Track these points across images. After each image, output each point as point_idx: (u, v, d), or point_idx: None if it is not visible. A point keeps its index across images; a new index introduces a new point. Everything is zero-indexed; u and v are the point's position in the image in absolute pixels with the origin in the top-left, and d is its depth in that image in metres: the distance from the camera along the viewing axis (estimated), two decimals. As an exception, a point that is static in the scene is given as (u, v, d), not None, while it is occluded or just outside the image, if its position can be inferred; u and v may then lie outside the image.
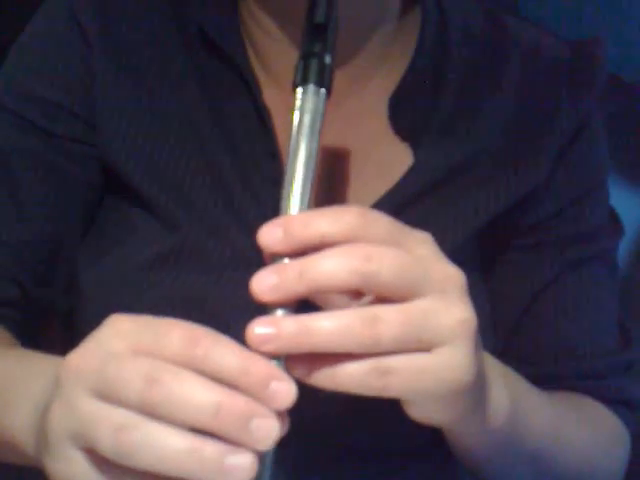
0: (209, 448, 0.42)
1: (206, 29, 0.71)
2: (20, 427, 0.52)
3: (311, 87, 0.53)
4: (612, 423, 0.72)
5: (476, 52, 0.72)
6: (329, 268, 0.45)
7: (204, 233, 0.68)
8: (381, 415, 0.72)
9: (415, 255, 0.47)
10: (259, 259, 0.47)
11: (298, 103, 0.53)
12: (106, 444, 0.42)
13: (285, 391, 0.43)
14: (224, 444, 0.42)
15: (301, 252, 0.46)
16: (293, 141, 0.51)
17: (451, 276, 0.48)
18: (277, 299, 0.45)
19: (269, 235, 0.46)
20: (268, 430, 0.43)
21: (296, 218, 0.47)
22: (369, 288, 0.46)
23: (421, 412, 0.52)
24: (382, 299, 0.47)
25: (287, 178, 0.50)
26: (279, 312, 0.46)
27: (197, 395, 0.42)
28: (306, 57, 0.55)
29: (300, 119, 0.52)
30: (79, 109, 0.71)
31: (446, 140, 0.70)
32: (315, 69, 0.54)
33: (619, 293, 0.76)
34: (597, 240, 0.73)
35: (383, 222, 0.47)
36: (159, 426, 0.42)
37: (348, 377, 0.46)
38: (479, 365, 0.49)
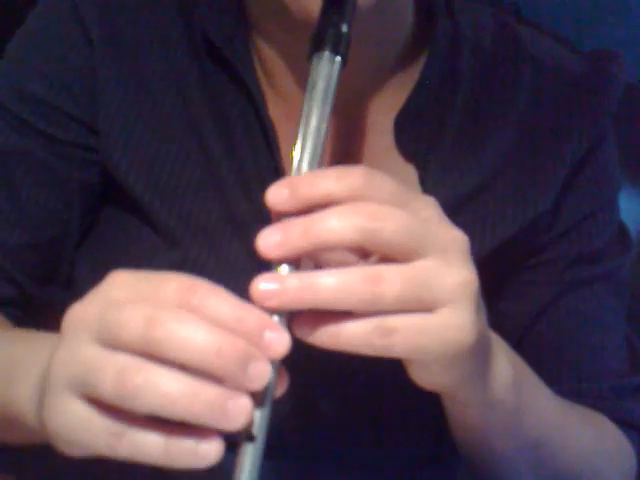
0: (211, 390, 0.42)
1: (212, 38, 0.69)
2: (24, 397, 0.52)
3: (326, 54, 0.53)
4: (618, 437, 0.72)
5: (487, 68, 0.71)
6: (333, 225, 0.45)
7: (205, 249, 0.67)
8: (381, 426, 0.72)
9: (419, 216, 0.47)
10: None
11: (312, 69, 0.53)
12: (108, 388, 0.43)
13: (279, 341, 0.44)
14: (224, 387, 0.43)
15: (307, 212, 0.46)
16: (306, 106, 0.51)
17: (454, 238, 0.49)
18: (282, 255, 0.46)
19: (276, 195, 0.47)
20: (264, 371, 0.43)
21: (302, 178, 0.47)
22: (372, 246, 0.46)
23: (424, 375, 0.52)
24: (386, 260, 0.47)
25: (298, 142, 0.50)
26: (283, 269, 0.46)
27: (198, 336, 0.42)
28: (322, 25, 0.54)
29: (313, 84, 0.52)
30: (80, 113, 0.70)
31: (455, 164, 0.69)
32: (331, 37, 0.54)
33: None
34: (602, 260, 0.73)
35: (388, 183, 0.47)
36: (161, 369, 0.43)
37: (352, 336, 0.46)
38: (481, 327, 0.50)
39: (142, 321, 0.43)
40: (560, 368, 0.71)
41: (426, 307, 0.47)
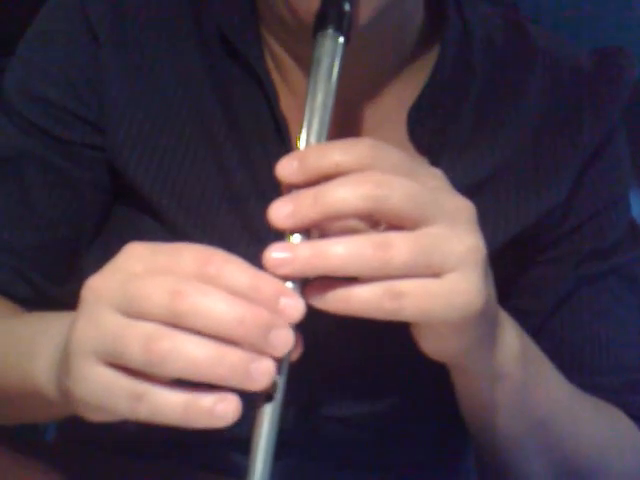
0: (235, 354, 0.44)
1: (225, 31, 0.68)
2: (41, 370, 0.54)
3: (329, 32, 0.54)
4: (632, 430, 0.71)
5: (498, 64, 0.71)
6: (342, 193, 0.46)
7: (214, 245, 0.67)
8: (382, 427, 0.72)
9: (426, 185, 0.49)
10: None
11: (316, 47, 0.53)
12: (136, 355, 0.44)
13: (294, 306, 0.45)
14: (247, 351, 0.44)
15: (316, 184, 0.48)
16: (311, 83, 0.52)
17: (462, 206, 0.50)
18: (293, 225, 0.47)
19: (285, 167, 0.48)
20: (286, 339, 0.45)
21: (310, 150, 0.49)
22: (380, 213, 0.47)
23: (433, 341, 0.53)
24: (394, 229, 0.48)
25: (305, 118, 0.51)
26: (295, 239, 0.48)
27: (222, 307, 0.44)
28: (325, 5, 0.55)
29: (318, 62, 0.53)
30: (88, 113, 0.69)
31: (466, 158, 0.69)
32: (333, 15, 0.55)
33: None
34: (615, 255, 0.72)
35: (395, 153, 0.49)
36: (187, 335, 0.44)
37: (362, 299, 0.47)
38: (488, 293, 0.50)
39: (166, 293, 0.44)
40: (573, 362, 0.71)
41: (434, 272, 0.48)
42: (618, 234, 0.73)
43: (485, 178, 0.69)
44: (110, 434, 0.68)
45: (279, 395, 0.47)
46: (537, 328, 0.71)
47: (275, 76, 0.69)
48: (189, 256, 0.46)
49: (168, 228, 0.68)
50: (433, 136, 0.69)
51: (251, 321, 0.44)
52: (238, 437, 0.54)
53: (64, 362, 0.48)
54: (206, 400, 0.44)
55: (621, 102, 0.72)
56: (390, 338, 0.60)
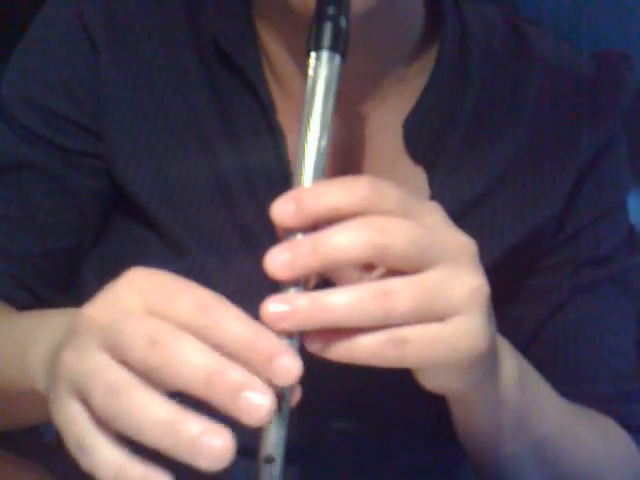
0: (186, 425, 0.41)
1: (221, 42, 0.68)
2: (34, 366, 0.53)
3: (325, 53, 0.51)
4: (625, 441, 0.71)
5: (497, 70, 0.71)
6: (342, 242, 0.45)
7: (212, 258, 0.67)
8: (379, 435, 0.72)
9: (426, 225, 0.47)
10: (268, 286, 0.47)
11: (311, 70, 0.51)
12: (97, 403, 0.43)
13: (288, 367, 0.43)
14: (206, 422, 0.41)
15: (313, 226, 0.46)
16: (306, 111, 0.50)
17: (462, 245, 0.49)
18: (291, 276, 0.45)
19: (281, 210, 0.46)
20: (257, 404, 0.41)
21: (307, 191, 0.47)
22: (382, 261, 0.47)
23: (435, 381, 0.52)
24: (394, 272, 0.47)
25: (299, 150, 0.49)
26: (292, 290, 0.46)
27: (192, 360, 0.42)
28: (319, 20, 0.52)
29: (313, 87, 0.50)
30: (87, 121, 0.69)
31: (463, 168, 0.69)
32: (329, 34, 0.51)
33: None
34: (612, 263, 0.73)
35: (393, 192, 0.47)
36: (145, 394, 0.42)
37: (365, 349, 0.46)
38: (492, 333, 0.50)
39: (144, 340, 0.42)
40: (568, 370, 0.71)
41: (438, 317, 0.47)
42: (615, 242, 0.73)
43: (482, 189, 0.69)
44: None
45: (278, 456, 0.45)
46: (532, 335, 0.72)
47: (272, 84, 0.69)
48: (188, 300, 0.44)
49: (165, 238, 0.68)
50: (428, 145, 0.68)
51: (219, 380, 0.41)
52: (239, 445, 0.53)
53: (52, 375, 0.48)
54: (135, 472, 0.42)
55: (621, 109, 0.72)
56: None
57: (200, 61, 0.69)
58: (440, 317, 0.47)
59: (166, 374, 0.42)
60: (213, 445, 0.40)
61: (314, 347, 0.47)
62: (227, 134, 0.68)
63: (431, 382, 0.52)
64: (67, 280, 0.72)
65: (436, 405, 0.65)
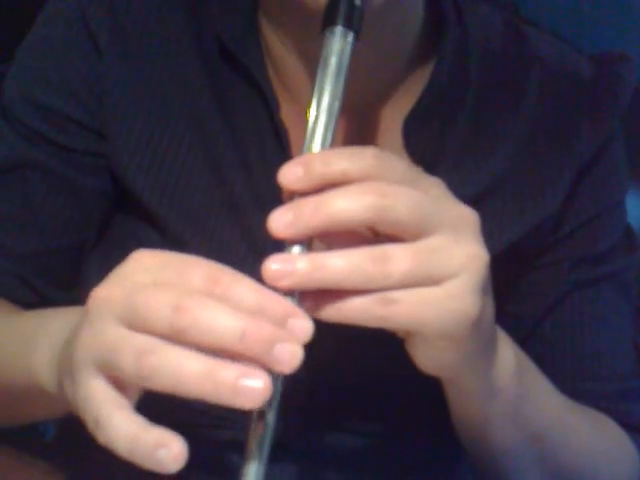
0: (224, 371, 0.42)
1: (225, 40, 0.68)
2: (40, 365, 0.54)
3: (339, 29, 0.52)
4: (622, 438, 0.71)
5: (496, 70, 0.71)
6: (345, 203, 0.46)
7: (213, 254, 0.67)
8: (380, 431, 0.72)
9: (429, 195, 0.48)
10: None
11: (325, 45, 0.52)
12: (128, 368, 0.43)
13: (301, 327, 0.44)
14: (240, 366, 0.43)
15: (318, 191, 0.47)
16: (318, 83, 0.51)
17: (464, 215, 0.50)
18: (293, 235, 0.46)
19: (290, 173, 0.47)
20: (292, 354, 0.43)
21: (316, 156, 0.48)
22: (383, 224, 0.47)
23: (426, 353, 0.52)
24: (395, 240, 0.47)
25: (310, 120, 0.50)
26: (295, 250, 0.47)
27: (222, 319, 0.43)
28: None
29: (326, 61, 0.51)
30: (89, 120, 0.69)
31: (462, 168, 0.69)
32: (344, 10, 0.52)
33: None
34: (609, 261, 0.73)
35: (398, 163, 0.48)
36: (178, 350, 0.43)
37: (353, 307, 0.47)
38: (484, 303, 0.50)
39: (169, 307, 0.43)
40: (565, 368, 0.71)
41: (434, 282, 0.48)
42: (613, 241, 0.73)
43: (482, 187, 0.69)
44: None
45: (271, 415, 0.46)
46: (529, 332, 0.72)
47: (276, 83, 0.69)
48: (197, 273, 0.45)
49: (167, 236, 0.68)
50: (428, 146, 0.68)
51: (252, 335, 0.43)
52: (236, 439, 0.54)
53: (65, 367, 0.48)
54: (149, 438, 0.43)
55: (620, 110, 0.72)
56: (389, 346, 0.60)
57: (203, 59, 0.69)
58: (436, 282, 0.47)
59: (196, 335, 0.43)
60: (252, 386, 0.42)
61: (306, 306, 0.47)
62: (230, 132, 0.69)
63: (424, 359, 0.53)
64: (70, 278, 0.73)
65: (436, 403, 0.66)
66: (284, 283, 0.46)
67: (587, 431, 0.68)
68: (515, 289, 0.72)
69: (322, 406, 0.70)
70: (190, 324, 0.43)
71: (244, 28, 0.68)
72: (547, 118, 0.71)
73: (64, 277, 0.72)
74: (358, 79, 0.66)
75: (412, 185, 0.48)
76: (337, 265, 0.46)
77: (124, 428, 0.43)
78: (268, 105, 0.67)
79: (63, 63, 0.69)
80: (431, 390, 0.65)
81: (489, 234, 0.68)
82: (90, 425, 0.45)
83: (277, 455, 0.68)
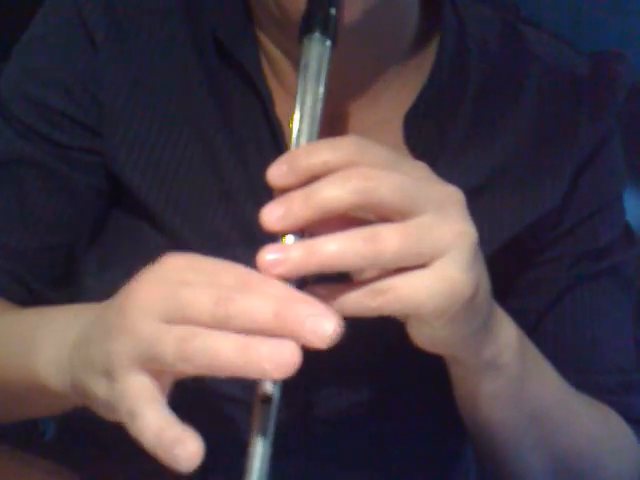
0: (256, 343, 0.44)
1: (221, 37, 0.69)
2: (43, 363, 0.54)
3: (317, 35, 0.54)
4: (625, 428, 0.71)
5: (495, 67, 0.71)
6: (330, 190, 0.47)
7: (211, 249, 0.67)
8: (380, 427, 0.72)
9: (412, 176, 0.49)
10: None
11: (304, 50, 0.54)
12: (169, 355, 0.45)
13: (322, 323, 0.44)
14: (271, 340, 0.44)
15: (306, 184, 0.48)
16: (300, 86, 0.53)
17: (450, 193, 0.50)
18: (285, 227, 0.48)
19: (276, 171, 0.49)
20: (324, 325, 0.44)
21: (298, 151, 0.50)
22: (369, 206, 0.48)
23: (425, 332, 0.53)
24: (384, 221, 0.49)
25: (295, 122, 0.52)
26: (289, 240, 0.48)
27: (259, 304, 0.45)
28: (311, 8, 0.56)
29: (306, 65, 0.53)
30: (85, 117, 0.70)
31: (462, 162, 0.69)
32: (320, 19, 0.55)
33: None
34: (609, 255, 0.73)
35: (379, 148, 0.50)
36: (216, 332, 0.45)
37: (347, 303, 0.49)
38: (477, 279, 0.50)
39: (211, 301, 0.45)
40: (567, 362, 0.71)
41: (425, 261, 0.48)
42: (612, 235, 0.73)
43: (481, 182, 0.69)
44: (110, 434, 0.69)
45: (276, 395, 0.47)
46: (531, 327, 0.72)
47: (271, 80, 0.69)
48: (229, 275, 0.47)
49: (164, 232, 0.68)
50: (429, 140, 0.69)
51: (285, 311, 0.44)
52: (240, 439, 0.54)
53: (98, 366, 0.49)
54: (171, 433, 0.44)
55: (617, 106, 0.72)
56: (388, 337, 0.61)
57: (199, 55, 0.70)
58: (427, 261, 0.48)
59: (236, 319, 0.44)
60: (283, 355, 0.43)
61: None
62: (227, 129, 0.69)
63: (422, 338, 0.53)
64: (63, 276, 0.73)
65: (436, 397, 0.66)
66: (279, 270, 0.47)
67: (589, 416, 0.68)
68: (516, 285, 0.72)
69: (320, 402, 0.70)
70: (231, 312, 0.44)
71: (240, 26, 0.69)
72: (546, 114, 0.71)
73: (56, 275, 0.72)
74: (354, 74, 0.66)
75: (394, 168, 0.49)
76: (330, 248, 0.47)
77: (153, 422, 0.44)
78: (263, 101, 0.68)
79: (59, 60, 0.70)
80: (433, 387, 0.65)
81: (489, 229, 0.68)
82: (124, 418, 0.46)
83: (277, 455, 0.68)
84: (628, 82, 0.73)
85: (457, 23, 0.71)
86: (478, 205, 0.68)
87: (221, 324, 0.45)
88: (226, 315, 0.45)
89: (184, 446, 0.43)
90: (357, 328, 0.55)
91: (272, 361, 0.43)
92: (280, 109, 0.68)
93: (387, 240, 0.47)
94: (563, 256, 0.72)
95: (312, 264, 0.47)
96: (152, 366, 0.46)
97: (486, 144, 0.70)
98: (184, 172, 0.69)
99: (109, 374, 0.48)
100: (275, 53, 0.69)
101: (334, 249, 0.47)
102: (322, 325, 0.44)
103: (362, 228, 0.48)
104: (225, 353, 0.44)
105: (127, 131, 0.69)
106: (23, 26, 0.72)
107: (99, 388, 0.49)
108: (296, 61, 0.67)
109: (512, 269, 0.71)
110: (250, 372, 0.44)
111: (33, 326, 0.60)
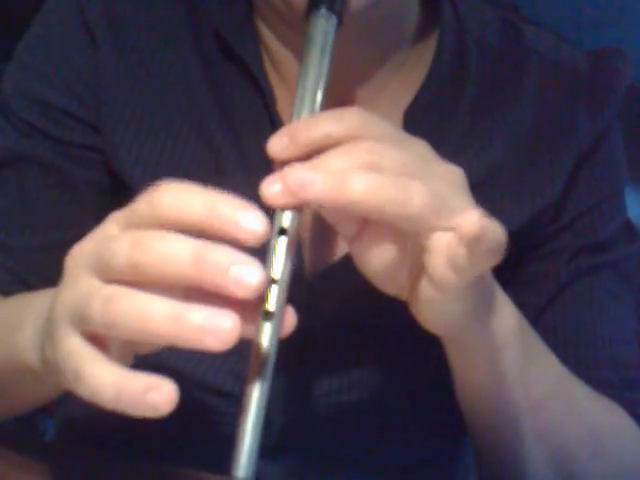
0: (191, 312, 0.41)
1: (222, 33, 0.69)
2: (23, 340, 0.53)
3: (323, 11, 0.54)
4: (628, 420, 0.71)
5: (494, 64, 0.71)
6: (336, 164, 0.46)
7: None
8: (382, 426, 0.72)
9: (415, 154, 0.49)
10: None
11: (310, 26, 0.54)
12: (96, 316, 0.43)
13: (252, 219, 0.43)
14: (208, 307, 0.41)
15: (307, 158, 0.47)
16: (303, 61, 0.52)
17: (451, 170, 0.51)
18: (285, 203, 0.46)
19: (277, 143, 0.48)
20: (250, 274, 0.41)
21: (300, 123, 0.49)
22: None
23: (430, 312, 0.53)
24: None
25: (297, 96, 0.51)
26: (286, 216, 0.47)
27: (176, 247, 0.42)
28: None
29: (310, 40, 0.53)
30: (86, 115, 0.70)
31: (461, 158, 0.69)
32: None
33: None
34: (610, 250, 0.73)
35: (383, 123, 0.49)
36: (144, 295, 0.42)
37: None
38: None
39: (127, 245, 0.43)
40: (568, 356, 0.70)
41: (439, 227, 0.48)
42: (612, 229, 0.73)
43: (480, 178, 0.69)
44: (110, 434, 0.68)
45: (277, 311, 0.45)
46: (532, 322, 0.71)
47: (272, 75, 0.69)
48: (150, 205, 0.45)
49: None
50: (428, 136, 0.69)
51: (204, 256, 0.41)
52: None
53: (45, 335, 0.48)
54: (136, 383, 0.41)
55: (616, 102, 0.72)
56: (389, 323, 0.60)
57: (200, 52, 0.70)
58: (442, 228, 0.48)
59: (151, 268, 0.42)
60: (221, 326, 0.40)
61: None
62: (227, 124, 0.69)
63: (428, 315, 0.53)
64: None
65: (436, 395, 0.66)
66: (306, 194, 0.45)
67: (591, 406, 0.67)
68: (516, 279, 0.72)
69: (318, 396, 0.70)
70: (144, 257, 0.42)
71: (241, 21, 0.69)
72: (545, 109, 0.71)
73: (57, 273, 0.72)
74: (354, 69, 0.66)
75: (397, 144, 0.48)
76: (362, 185, 0.45)
77: (108, 377, 0.42)
78: (264, 97, 0.68)
79: (60, 57, 0.70)
80: (433, 383, 0.65)
81: None
82: (70, 380, 0.44)
83: (277, 455, 0.68)
84: (627, 77, 0.73)
85: (456, 20, 0.71)
86: (478, 200, 0.69)
87: (138, 272, 0.42)
88: (141, 260, 0.42)
89: (159, 390, 0.41)
90: (356, 314, 0.55)
91: (208, 331, 0.40)
92: (281, 104, 0.68)
93: (417, 193, 0.47)
94: (563, 250, 0.72)
95: (341, 197, 0.45)
96: (84, 327, 0.44)
97: (486, 139, 0.70)
98: (184, 169, 0.69)
99: (51, 336, 0.46)
100: (276, 47, 0.69)
101: (366, 186, 0.45)
102: (247, 274, 0.40)
103: (391, 176, 0.47)
104: (156, 319, 0.41)
105: (127, 128, 0.69)
106: (24, 28, 0.72)
107: (49, 353, 0.47)
108: (298, 52, 0.67)
109: (512, 263, 0.71)
110: (187, 341, 0.41)
111: (19, 307, 0.59)
